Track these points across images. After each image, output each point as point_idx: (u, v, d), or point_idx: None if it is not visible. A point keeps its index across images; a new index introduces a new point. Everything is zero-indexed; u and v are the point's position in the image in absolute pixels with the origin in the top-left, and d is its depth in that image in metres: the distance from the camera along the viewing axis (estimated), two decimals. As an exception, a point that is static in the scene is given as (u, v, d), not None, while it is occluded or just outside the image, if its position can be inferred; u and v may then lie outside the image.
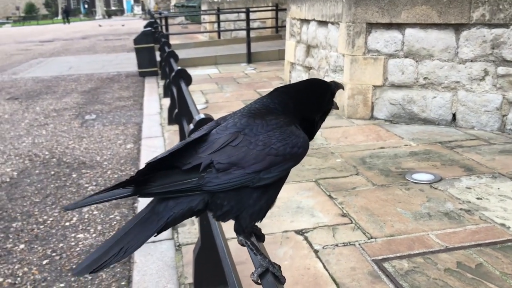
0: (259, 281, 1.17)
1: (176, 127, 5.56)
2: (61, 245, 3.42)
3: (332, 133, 5.37)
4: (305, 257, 2.87)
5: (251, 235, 1.28)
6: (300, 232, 3.18)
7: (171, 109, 6.20)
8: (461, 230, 3.09)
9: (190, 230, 3.34)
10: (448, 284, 2.52)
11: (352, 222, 3.27)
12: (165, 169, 1.12)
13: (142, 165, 4.91)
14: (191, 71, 9.87)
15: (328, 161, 4.50)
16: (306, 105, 1.23)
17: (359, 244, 2.99)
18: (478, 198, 3.55)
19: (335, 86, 1.29)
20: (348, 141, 5.08)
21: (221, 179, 1.09)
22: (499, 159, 4.36)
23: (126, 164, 5.12)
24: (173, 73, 4.57)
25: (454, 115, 5.45)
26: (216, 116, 1.72)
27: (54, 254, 3.30)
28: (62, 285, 2.92)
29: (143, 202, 3.76)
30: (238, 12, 15.53)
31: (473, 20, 5.12)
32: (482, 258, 2.75)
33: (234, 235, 1.23)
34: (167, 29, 14.13)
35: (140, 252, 3.09)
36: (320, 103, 1.25)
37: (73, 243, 3.43)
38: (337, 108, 1.31)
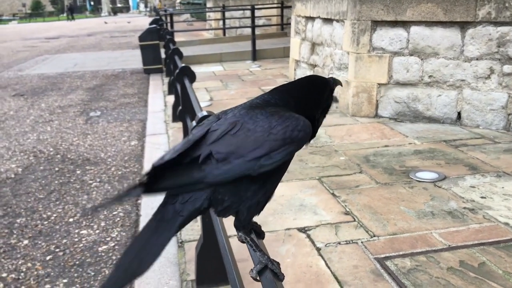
0: (258, 278, 1.17)
1: (180, 124, 5.56)
2: (64, 241, 3.43)
3: (336, 131, 5.36)
4: (307, 255, 2.87)
5: (250, 231, 1.28)
6: (302, 229, 3.18)
7: (175, 106, 6.21)
8: (464, 229, 3.08)
9: (192, 227, 3.34)
10: (451, 283, 2.51)
11: (355, 220, 3.26)
12: (172, 166, 1.12)
13: (146, 162, 4.92)
14: (196, 69, 9.88)
15: (332, 159, 4.49)
16: (306, 102, 1.22)
17: (361, 242, 2.98)
18: (482, 197, 3.54)
19: (334, 82, 1.28)
20: (352, 139, 5.07)
21: (221, 169, 1.07)
22: (504, 158, 4.34)
23: (130, 161, 5.13)
24: (177, 70, 4.57)
25: (459, 113, 5.43)
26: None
27: (57, 250, 3.31)
28: (65, 280, 2.94)
29: (146, 199, 3.77)
30: (243, 10, 15.52)
31: (479, 18, 5.09)
32: (485, 257, 2.74)
33: (236, 232, 1.23)
34: (172, 26, 14.14)
35: (143, 249, 3.10)
36: (319, 99, 1.25)
37: (76, 239, 3.45)
38: (337, 101, 1.29)
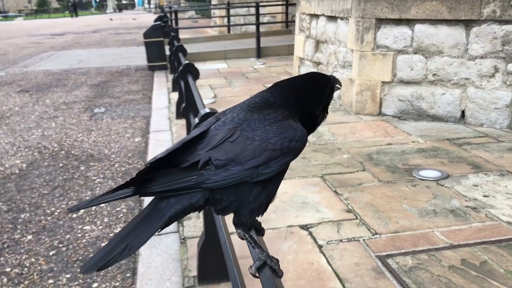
0: (256, 274, 1.18)
1: (183, 121, 5.58)
2: (68, 236, 3.46)
3: (339, 129, 5.36)
4: (309, 252, 2.88)
5: (250, 228, 1.29)
6: (304, 227, 3.18)
7: (179, 103, 6.22)
8: (466, 228, 3.08)
9: (195, 223, 3.36)
10: (452, 281, 2.51)
11: (357, 218, 3.27)
12: (165, 167, 1.13)
13: (149, 159, 4.93)
14: (200, 66, 9.90)
15: (335, 156, 4.49)
16: (306, 99, 1.23)
17: (363, 240, 2.99)
18: (485, 196, 3.53)
19: (334, 80, 1.28)
20: (355, 137, 5.06)
21: (220, 175, 1.09)
22: (507, 156, 4.33)
23: (134, 157, 5.15)
24: (181, 67, 4.58)
25: (463, 112, 5.41)
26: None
27: (61, 245, 3.34)
28: (68, 276, 2.96)
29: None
30: (248, 7, 15.51)
31: (484, 16, 5.07)
32: (487, 256, 2.73)
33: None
34: (176, 23, 14.14)
35: (145, 245, 3.10)
36: (320, 97, 1.25)
37: (79, 235, 3.47)
38: (339, 87, 1.29)
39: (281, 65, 10.28)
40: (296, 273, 2.67)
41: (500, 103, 5.15)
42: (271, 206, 3.55)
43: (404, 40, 5.58)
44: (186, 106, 4.51)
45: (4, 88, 9.66)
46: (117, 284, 2.87)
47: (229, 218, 1.57)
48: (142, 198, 3.97)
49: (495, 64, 5.13)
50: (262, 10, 14.21)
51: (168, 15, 15.09)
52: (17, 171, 4.84)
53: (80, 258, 3.16)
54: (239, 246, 2.08)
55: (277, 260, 1.20)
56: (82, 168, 4.86)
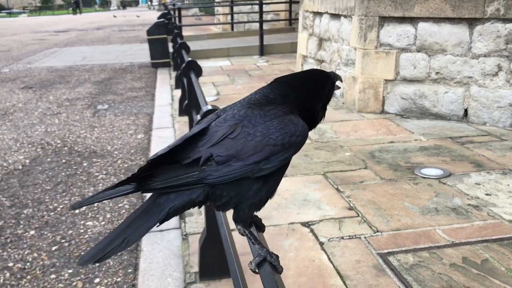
0: (256, 270, 1.18)
1: (186, 118, 5.59)
2: (70, 232, 3.47)
3: (342, 127, 5.36)
4: (310, 249, 2.88)
5: (250, 225, 1.30)
6: (306, 224, 3.19)
7: (182, 100, 6.23)
8: (468, 226, 3.08)
9: (197, 219, 3.37)
10: (453, 279, 2.51)
11: (358, 216, 3.27)
12: (166, 164, 1.13)
13: (152, 155, 4.95)
14: (203, 63, 9.90)
15: (337, 154, 4.49)
16: (306, 95, 1.23)
17: (364, 237, 2.99)
18: (487, 194, 3.53)
19: (335, 77, 1.29)
20: (358, 135, 5.06)
21: (221, 171, 1.10)
22: (510, 155, 4.32)
23: (136, 154, 5.16)
24: (184, 65, 4.58)
25: (466, 110, 5.40)
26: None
27: (63, 240, 3.35)
28: (70, 271, 2.98)
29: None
30: (251, 4, 15.49)
31: (487, 15, 5.06)
32: (488, 254, 2.74)
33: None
34: (180, 21, 14.15)
35: (147, 241, 3.13)
36: (320, 93, 1.25)
37: (82, 230, 3.48)
38: (340, 82, 1.29)
39: (284, 63, 10.28)
40: (297, 270, 2.68)
41: (503, 101, 5.14)
42: (272, 203, 3.57)
43: (407, 38, 5.57)
44: (189, 103, 4.51)
45: (8, 85, 9.69)
46: (119, 279, 2.88)
47: (230, 215, 1.57)
48: (144, 194, 3.98)
49: (498, 63, 5.11)
50: (265, 8, 14.20)
51: (172, 12, 15.09)
52: (20, 167, 4.86)
53: (82, 253, 3.17)
54: (240, 243, 2.09)
55: (277, 256, 1.20)
56: (85, 164, 4.88)
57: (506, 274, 2.54)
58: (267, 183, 1.14)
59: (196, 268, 2.78)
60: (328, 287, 2.52)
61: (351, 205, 3.44)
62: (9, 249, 3.26)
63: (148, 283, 2.71)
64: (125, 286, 2.82)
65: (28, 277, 2.93)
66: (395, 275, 2.58)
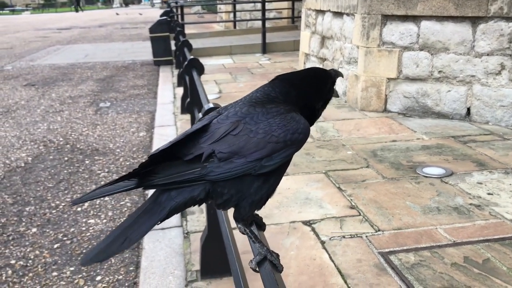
0: (257, 269, 1.18)
1: (188, 116, 5.59)
2: (72, 229, 3.48)
3: (344, 125, 5.35)
4: (311, 248, 2.88)
5: (251, 223, 1.30)
6: (307, 223, 3.19)
7: (184, 98, 6.23)
8: (470, 225, 3.07)
9: (199, 218, 3.37)
10: (454, 279, 2.51)
11: (360, 214, 3.27)
12: (167, 160, 1.13)
13: (153, 151, 4.95)
14: (206, 61, 9.89)
15: (339, 153, 4.49)
16: (307, 93, 1.23)
17: (366, 236, 2.99)
18: (489, 194, 3.52)
19: (335, 74, 1.29)
20: (360, 134, 5.06)
21: (223, 168, 1.09)
22: (512, 154, 4.31)
23: (138, 151, 5.17)
24: (186, 63, 4.58)
25: (468, 109, 5.39)
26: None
27: (65, 238, 3.36)
28: (72, 268, 2.98)
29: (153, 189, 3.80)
30: (254, 2, 15.46)
31: (491, 13, 5.04)
32: (490, 254, 2.73)
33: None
34: (182, 19, 14.14)
35: (149, 239, 3.14)
36: (321, 91, 1.26)
37: (84, 228, 3.49)
38: (337, 96, 1.30)
39: (287, 61, 10.26)
40: (298, 268, 2.68)
41: (506, 100, 5.13)
42: (274, 202, 3.56)
43: (410, 36, 5.56)
44: (191, 101, 4.51)
45: (11, 82, 9.71)
46: (120, 277, 2.89)
47: (231, 213, 1.57)
48: (146, 192, 3.99)
49: (501, 62, 5.10)
50: (268, 6, 14.18)
51: (174, 10, 15.09)
52: (22, 164, 4.87)
53: (84, 251, 3.18)
54: (241, 241, 2.09)
55: (277, 255, 1.20)
56: (87, 162, 4.89)
57: (507, 273, 2.54)
58: (268, 180, 1.14)
59: (197, 266, 2.78)
60: (329, 286, 2.53)
61: (353, 204, 3.43)
62: (11, 247, 3.27)
63: (150, 281, 2.72)
64: (126, 284, 2.82)
65: (30, 274, 2.94)
66: (396, 274, 2.58)
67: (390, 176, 3.90)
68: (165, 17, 11.30)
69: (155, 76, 9.76)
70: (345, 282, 2.55)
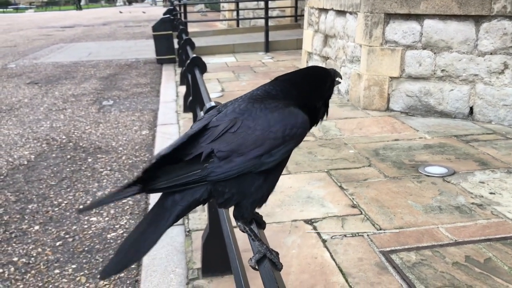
0: (256, 267, 1.19)
1: (191, 115, 5.60)
2: (74, 227, 3.49)
3: (346, 124, 5.35)
4: (313, 246, 2.89)
5: (251, 222, 1.30)
6: (309, 221, 3.19)
7: (186, 97, 6.24)
8: (471, 224, 3.07)
9: (200, 216, 3.38)
10: (455, 278, 2.51)
11: (361, 213, 3.27)
12: (169, 163, 1.13)
13: (156, 152, 4.96)
14: (209, 59, 9.89)
15: (341, 152, 4.49)
16: (307, 92, 1.23)
17: (367, 235, 2.99)
18: (491, 193, 3.52)
19: (334, 74, 1.29)
20: (362, 133, 5.05)
21: (224, 168, 1.09)
22: (515, 154, 4.30)
23: (141, 150, 5.18)
24: (188, 61, 4.59)
25: (471, 108, 5.38)
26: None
27: (67, 236, 3.37)
28: (74, 266, 2.99)
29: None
30: (257, 0, 15.45)
31: (494, 12, 5.03)
32: (491, 253, 2.73)
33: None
34: (185, 17, 14.14)
35: (151, 237, 3.14)
36: (321, 90, 1.26)
37: (86, 226, 3.50)
38: (340, 77, 1.29)
39: (290, 60, 10.26)
40: (299, 267, 2.68)
41: (509, 100, 5.11)
42: (276, 200, 3.56)
43: (413, 35, 5.55)
44: (193, 99, 4.53)
45: (14, 80, 9.74)
46: (122, 275, 2.90)
47: (232, 211, 1.58)
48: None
49: (504, 61, 5.08)
50: (271, 4, 14.16)
51: (177, 8, 15.09)
52: (25, 162, 4.88)
53: (86, 249, 3.19)
54: (242, 239, 2.09)
55: (277, 253, 1.21)
56: (89, 160, 4.90)
57: (509, 273, 2.54)
58: (268, 178, 1.14)
59: (198, 264, 2.79)
60: (330, 284, 2.53)
61: (355, 202, 3.44)
62: (13, 244, 3.28)
63: (151, 279, 2.73)
64: (128, 282, 2.83)
65: (32, 271, 2.95)
66: (397, 273, 2.58)
67: (392, 175, 3.90)
68: (168, 16, 11.30)
69: (158, 74, 9.77)
70: (346, 280, 2.55)
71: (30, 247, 3.23)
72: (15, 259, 3.10)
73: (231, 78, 8.43)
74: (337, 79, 1.28)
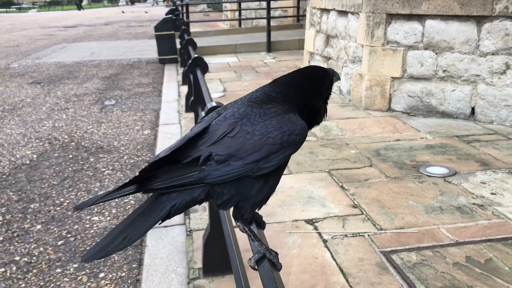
0: (255, 267, 1.19)
1: (192, 115, 5.61)
2: (76, 227, 3.50)
3: (348, 124, 5.35)
4: (313, 246, 2.89)
5: (251, 222, 1.31)
6: (310, 221, 3.20)
7: (188, 97, 6.25)
8: (472, 225, 3.07)
9: (201, 216, 3.39)
10: (456, 278, 2.51)
11: (362, 213, 3.27)
12: (168, 164, 1.14)
13: (158, 151, 4.97)
14: (211, 59, 9.91)
15: (343, 152, 4.49)
16: (307, 92, 1.24)
17: (368, 235, 2.99)
18: (492, 193, 3.52)
19: (333, 73, 1.29)
20: (363, 133, 5.05)
21: (221, 171, 1.10)
22: (516, 154, 4.30)
23: (143, 149, 5.19)
24: (190, 61, 4.60)
25: (473, 109, 5.37)
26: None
27: (69, 235, 3.38)
28: (75, 265, 3.01)
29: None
30: (259, 0, 15.46)
31: (496, 12, 5.02)
32: (492, 254, 2.73)
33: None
34: (187, 17, 14.15)
35: (152, 236, 3.16)
36: (320, 90, 1.26)
37: (87, 225, 3.52)
38: (338, 79, 1.30)
39: (291, 60, 10.26)
40: (300, 267, 2.69)
41: (511, 100, 5.11)
42: (277, 200, 3.56)
43: (414, 35, 5.55)
44: (195, 99, 4.53)
45: (17, 80, 9.76)
46: (123, 274, 2.91)
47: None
48: (150, 190, 4.00)
49: (506, 61, 5.08)
50: (273, 4, 14.16)
51: (179, 8, 15.10)
52: (27, 162, 4.90)
53: (87, 248, 3.20)
54: (243, 239, 2.09)
55: (276, 253, 1.21)
56: (91, 159, 4.91)
57: (509, 273, 2.54)
58: (268, 181, 1.15)
59: (199, 264, 2.80)
60: (330, 284, 2.53)
61: (356, 203, 3.44)
62: (16, 243, 3.30)
63: (152, 278, 2.74)
64: (129, 281, 2.84)
65: (34, 271, 2.96)
66: (398, 273, 2.58)
67: (393, 175, 3.90)
68: (170, 16, 11.32)
69: (160, 74, 9.79)
70: (347, 281, 2.55)
71: (32, 246, 3.25)
72: (17, 258, 3.11)
73: (233, 78, 8.44)
74: (335, 78, 1.29)
